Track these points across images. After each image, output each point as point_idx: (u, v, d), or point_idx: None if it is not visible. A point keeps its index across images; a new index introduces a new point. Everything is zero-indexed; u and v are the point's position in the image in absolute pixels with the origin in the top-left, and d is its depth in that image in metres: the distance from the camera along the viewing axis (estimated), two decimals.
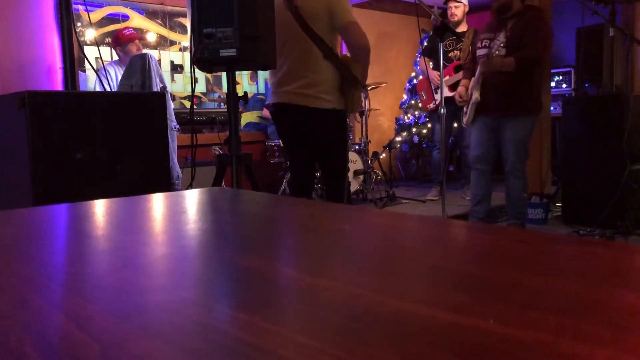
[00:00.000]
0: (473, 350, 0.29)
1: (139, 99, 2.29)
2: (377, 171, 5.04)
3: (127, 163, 2.05)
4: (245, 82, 5.45)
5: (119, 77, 3.34)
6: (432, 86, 4.60)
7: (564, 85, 5.96)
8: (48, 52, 4.13)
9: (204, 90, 5.15)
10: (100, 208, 0.87)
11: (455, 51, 4.68)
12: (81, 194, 1.88)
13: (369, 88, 4.85)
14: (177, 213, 0.84)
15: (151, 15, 4.77)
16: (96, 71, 3.21)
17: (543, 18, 3.31)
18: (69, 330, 0.35)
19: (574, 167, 3.92)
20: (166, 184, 2.23)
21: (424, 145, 5.89)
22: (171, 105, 3.24)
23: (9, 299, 0.42)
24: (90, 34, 4.37)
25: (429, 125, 5.56)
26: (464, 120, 3.52)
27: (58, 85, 4.13)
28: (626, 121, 3.47)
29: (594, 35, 4.28)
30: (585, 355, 0.28)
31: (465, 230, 0.70)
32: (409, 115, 6.00)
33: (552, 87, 5.35)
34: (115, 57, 4.01)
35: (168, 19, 4.86)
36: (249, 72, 5.40)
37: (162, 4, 4.81)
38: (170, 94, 3.70)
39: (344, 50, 3.38)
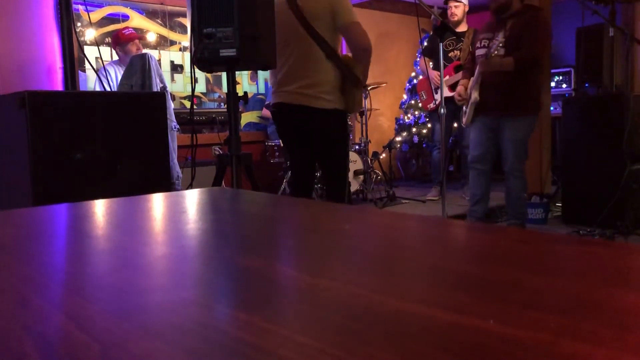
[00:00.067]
0: (473, 350, 0.29)
1: (139, 99, 2.29)
2: (377, 171, 5.04)
3: (127, 163, 2.05)
4: (245, 82, 5.45)
5: (119, 77, 3.34)
6: (432, 86, 4.59)
7: (564, 85, 5.97)
8: (48, 52, 4.13)
9: (204, 90, 5.15)
10: (100, 208, 0.87)
11: (456, 51, 4.68)
12: (81, 194, 1.88)
13: (369, 88, 4.85)
14: (177, 213, 0.84)
15: (151, 15, 4.77)
16: (96, 71, 3.21)
17: (542, 18, 3.31)
18: (69, 330, 0.35)
19: (574, 167, 3.92)
20: (166, 184, 2.23)
21: (424, 145, 5.89)
22: (171, 105, 3.25)
23: (9, 299, 0.42)
24: (90, 34, 4.37)
25: (429, 125, 5.56)
26: (463, 120, 3.52)
27: (58, 85, 4.13)
28: (626, 121, 3.48)
29: (594, 35, 4.27)
30: (585, 355, 0.28)
31: (465, 230, 0.70)
32: (409, 115, 6.00)
33: (552, 87, 5.35)
34: (115, 57, 4.02)
35: (168, 19, 4.86)
36: (249, 72, 5.40)
37: (162, 4, 4.81)
38: (170, 94, 3.70)
39: (344, 50, 3.38)
